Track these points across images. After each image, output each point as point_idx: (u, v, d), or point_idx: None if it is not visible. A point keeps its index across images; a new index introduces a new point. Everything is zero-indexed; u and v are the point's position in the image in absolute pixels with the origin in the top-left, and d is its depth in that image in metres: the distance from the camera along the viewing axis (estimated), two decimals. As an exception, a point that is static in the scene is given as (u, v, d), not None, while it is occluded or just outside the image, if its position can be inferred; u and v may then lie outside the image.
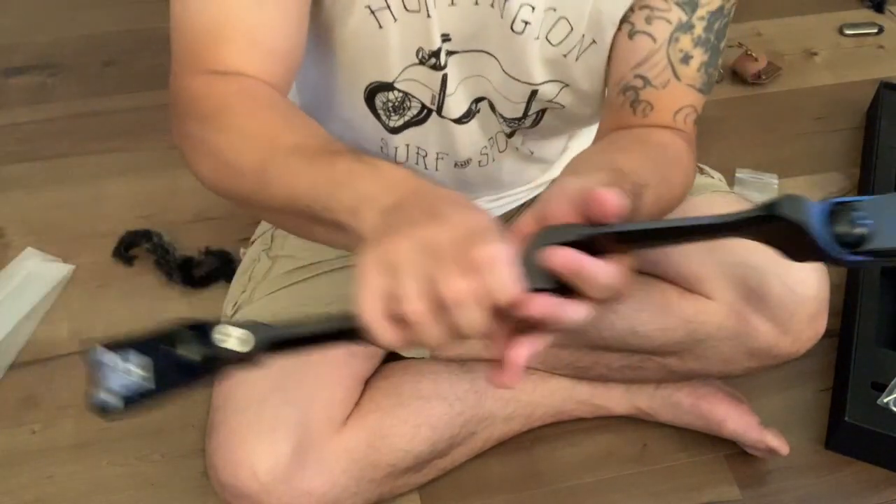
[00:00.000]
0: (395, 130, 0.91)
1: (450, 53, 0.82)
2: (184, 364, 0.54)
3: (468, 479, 1.04)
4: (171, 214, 1.30)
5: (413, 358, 1.02)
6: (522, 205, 1.05)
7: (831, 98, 1.57)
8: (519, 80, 0.85)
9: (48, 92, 1.49)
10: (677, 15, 0.78)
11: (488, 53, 0.83)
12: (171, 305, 1.20)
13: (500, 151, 0.95)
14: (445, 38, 0.81)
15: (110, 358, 0.53)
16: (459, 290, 0.50)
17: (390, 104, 0.87)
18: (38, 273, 1.22)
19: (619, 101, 0.82)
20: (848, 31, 1.71)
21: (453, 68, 0.84)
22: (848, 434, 1.06)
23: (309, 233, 0.68)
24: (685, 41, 0.79)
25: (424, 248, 0.51)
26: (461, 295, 0.50)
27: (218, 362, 0.54)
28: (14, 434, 1.07)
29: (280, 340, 0.55)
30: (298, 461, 0.87)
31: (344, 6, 0.78)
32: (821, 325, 0.95)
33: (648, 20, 0.79)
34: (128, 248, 1.25)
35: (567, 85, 0.86)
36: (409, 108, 0.88)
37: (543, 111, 0.90)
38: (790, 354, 0.96)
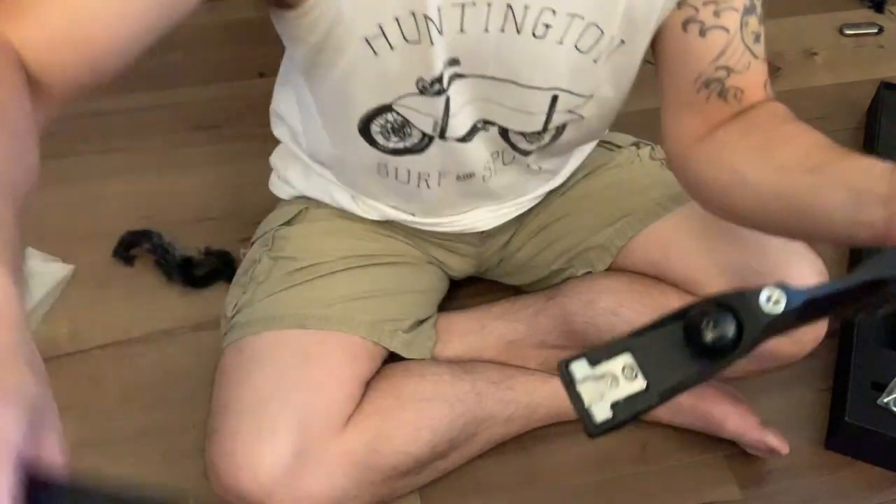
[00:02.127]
0: (395, 152, 0.90)
1: (456, 76, 0.81)
2: (707, 347, 0.47)
3: (468, 480, 1.04)
4: (171, 214, 1.30)
5: (415, 359, 1.02)
6: (521, 215, 1.05)
7: (831, 98, 1.57)
8: (541, 88, 0.84)
9: (48, 92, 1.49)
10: (742, 1, 0.79)
11: (502, 80, 0.82)
12: (171, 305, 1.20)
13: (504, 164, 0.94)
14: (453, 62, 0.80)
15: (583, 369, 0.48)
16: None
17: (389, 125, 0.86)
18: (38, 273, 1.21)
19: (702, 97, 0.82)
20: (848, 31, 1.71)
21: (458, 91, 0.83)
22: (848, 434, 1.06)
23: None
24: (753, 22, 0.80)
25: None
26: None
27: (750, 334, 0.47)
28: (14, 434, 1.07)
29: (813, 300, 0.47)
30: (299, 464, 0.86)
31: (336, 49, 0.77)
32: (822, 328, 0.95)
33: (717, 14, 0.79)
34: (128, 248, 1.25)
35: (591, 96, 0.86)
36: (410, 136, 0.87)
37: (564, 126, 0.90)
38: (791, 357, 0.96)
